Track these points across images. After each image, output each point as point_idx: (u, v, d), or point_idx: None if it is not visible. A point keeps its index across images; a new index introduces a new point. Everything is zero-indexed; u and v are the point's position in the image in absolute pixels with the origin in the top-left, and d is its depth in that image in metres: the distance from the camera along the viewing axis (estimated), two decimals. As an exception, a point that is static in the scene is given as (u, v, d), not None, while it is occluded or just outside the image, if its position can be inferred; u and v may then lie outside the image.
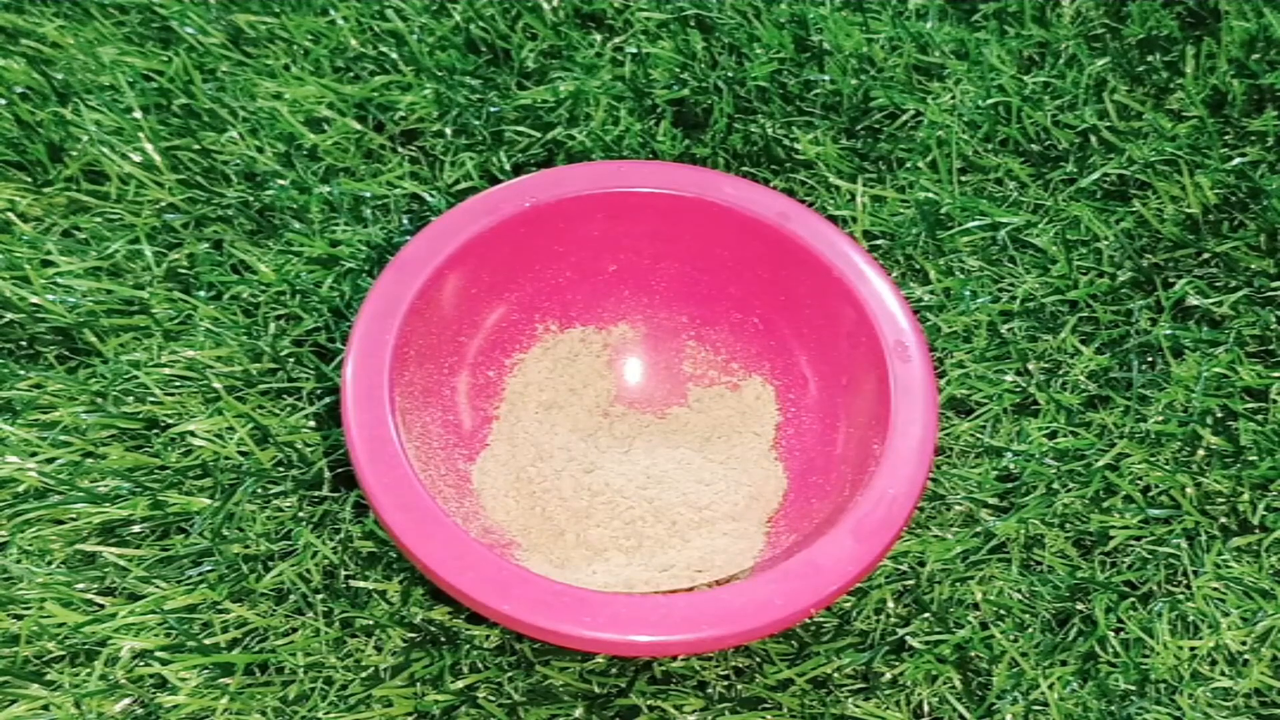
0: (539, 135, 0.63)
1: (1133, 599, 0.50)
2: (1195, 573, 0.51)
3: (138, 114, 0.62)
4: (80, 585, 0.49)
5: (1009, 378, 0.56)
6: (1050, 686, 0.48)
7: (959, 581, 0.51)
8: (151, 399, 0.54)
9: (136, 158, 0.61)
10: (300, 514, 0.51)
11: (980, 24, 0.69)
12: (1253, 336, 0.58)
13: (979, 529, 0.52)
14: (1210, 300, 0.59)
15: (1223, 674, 0.49)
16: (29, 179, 0.60)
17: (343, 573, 0.50)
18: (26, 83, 0.63)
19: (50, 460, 0.52)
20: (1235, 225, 0.62)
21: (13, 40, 0.65)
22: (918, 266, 0.60)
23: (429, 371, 0.51)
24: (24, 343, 0.55)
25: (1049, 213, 0.62)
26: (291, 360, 0.55)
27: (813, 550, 0.44)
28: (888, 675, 0.48)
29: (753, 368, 0.54)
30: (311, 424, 0.53)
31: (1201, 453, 0.54)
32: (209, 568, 0.49)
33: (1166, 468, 0.54)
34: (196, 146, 0.61)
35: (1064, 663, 0.49)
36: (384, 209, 0.60)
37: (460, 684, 0.47)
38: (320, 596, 0.49)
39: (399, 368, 0.48)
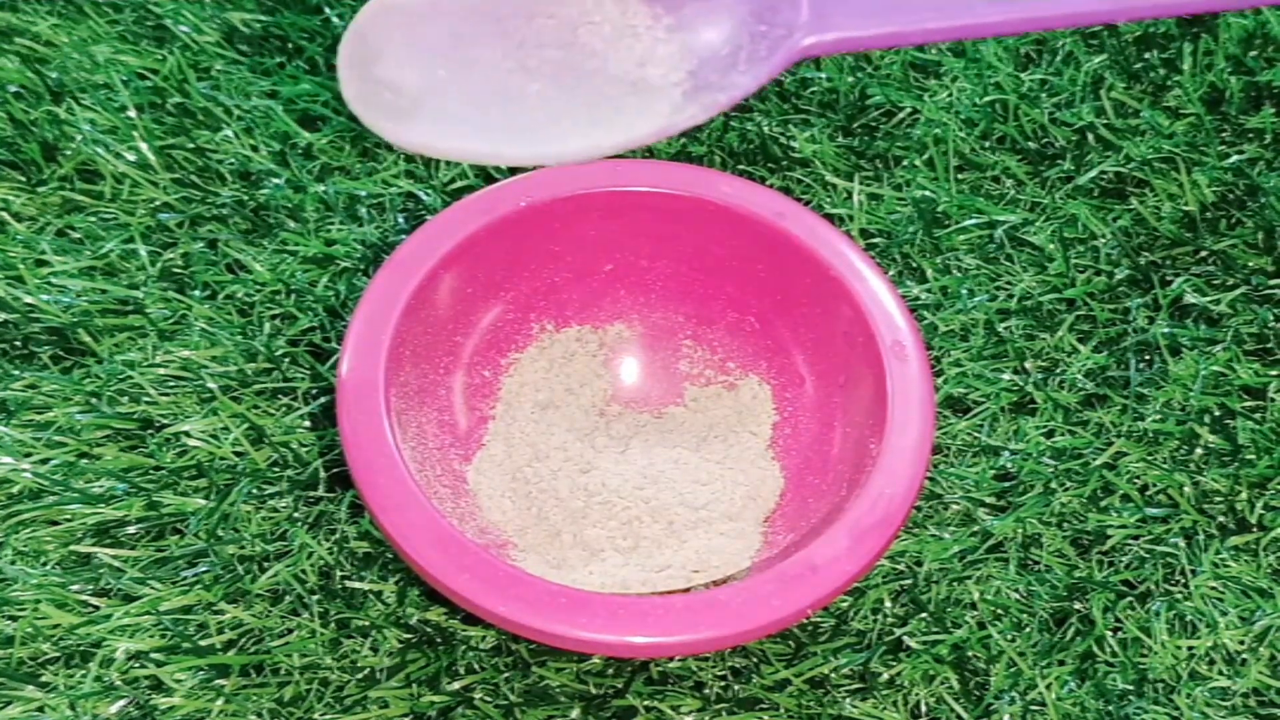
0: (535, 133, 0.63)
1: (1130, 598, 0.50)
2: (1193, 572, 0.51)
3: (132, 113, 0.62)
4: (75, 586, 0.49)
5: (1006, 376, 0.56)
6: (1048, 686, 0.48)
7: (956, 581, 0.51)
8: (146, 399, 0.53)
9: (131, 157, 0.61)
10: (296, 514, 0.51)
11: (977, 21, 0.69)
12: (1251, 334, 0.58)
13: (976, 528, 0.52)
14: (1208, 298, 0.58)
15: (1221, 673, 0.49)
16: (23, 178, 0.60)
17: (338, 573, 0.50)
18: (20, 81, 0.63)
19: (45, 461, 0.51)
20: (1233, 223, 0.62)
21: (6, 39, 0.65)
22: (914, 265, 0.60)
23: (424, 371, 0.50)
24: (18, 343, 0.55)
25: (1046, 210, 0.62)
26: (286, 360, 0.55)
27: (810, 550, 0.44)
28: (885, 675, 0.48)
29: (749, 367, 0.54)
30: (307, 424, 0.53)
31: (1199, 451, 0.54)
32: (204, 569, 0.49)
33: (1164, 466, 0.54)
34: (191, 145, 0.61)
35: (1062, 662, 0.49)
36: (379, 208, 0.60)
37: (456, 685, 0.47)
38: (316, 597, 0.49)
39: (394, 368, 0.47)
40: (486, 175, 0.61)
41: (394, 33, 0.38)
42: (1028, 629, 0.50)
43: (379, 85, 0.37)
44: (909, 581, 0.50)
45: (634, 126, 0.37)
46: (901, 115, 0.65)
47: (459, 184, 0.61)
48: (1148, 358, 0.57)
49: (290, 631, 0.48)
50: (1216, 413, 0.55)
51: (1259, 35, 0.68)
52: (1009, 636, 0.49)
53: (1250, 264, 0.60)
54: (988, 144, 0.64)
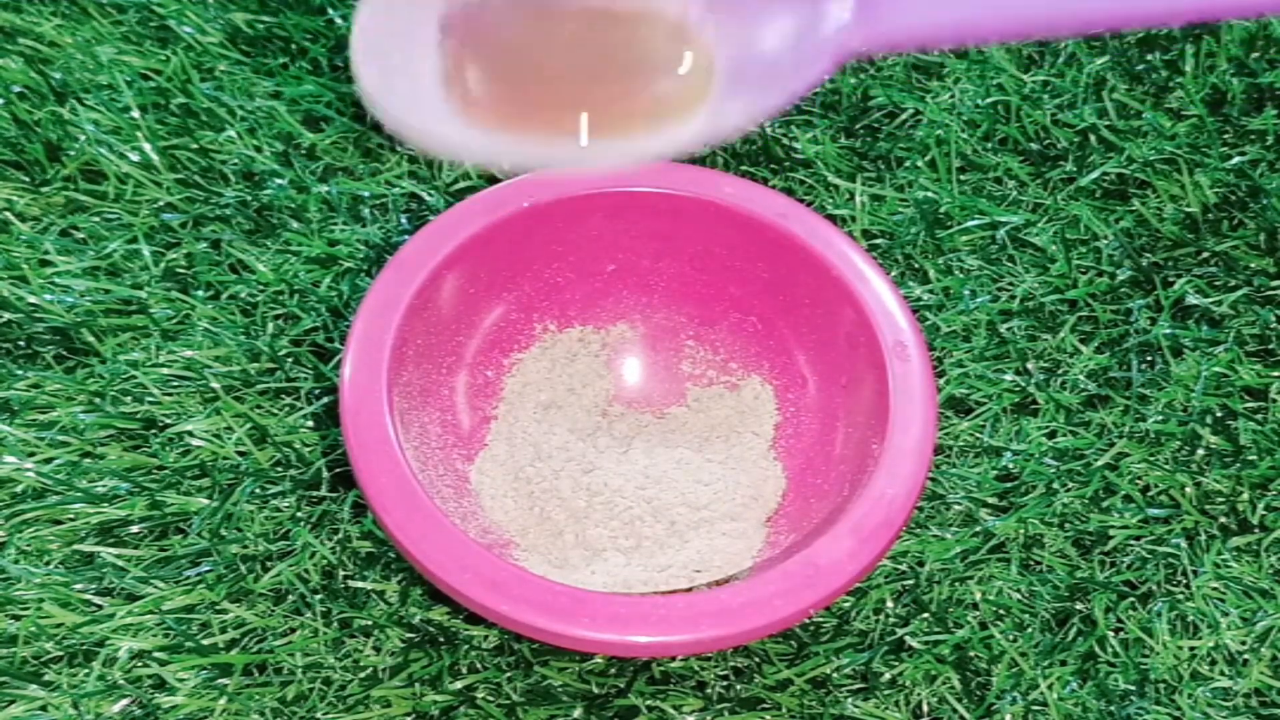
0: (537, 134, 0.63)
1: (1132, 599, 0.50)
2: (1195, 572, 0.51)
3: (135, 113, 0.62)
4: (78, 585, 0.49)
5: (1008, 377, 0.56)
6: (1049, 686, 0.48)
7: (958, 581, 0.51)
8: (149, 399, 0.53)
9: (134, 157, 0.61)
10: (299, 514, 0.51)
11: (979, 22, 0.69)
12: (1252, 335, 0.58)
13: (978, 529, 0.52)
14: (1210, 299, 0.58)
15: (1222, 674, 0.49)
16: (26, 179, 0.60)
17: (341, 573, 0.50)
18: (24, 82, 0.63)
19: (48, 460, 0.52)
20: (1235, 224, 0.62)
21: (10, 39, 0.65)
22: (917, 266, 0.60)
23: (427, 371, 0.50)
24: (22, 342, 0.55)
25: (1048, 212, 0.62)
26: (290, 360, 0.55)
27: (812, 550, 0.44)
28: (887, 675, 0.48)
29: (751, 368, 0.54)
30: (310, 424, 0.53)
31: (1201, 452, 0.54)
32: (207, 568, 0.49)
33: (1166, 467, 0.54)
34: (194, 146, 0.61)
35: (1063, 663, 0.49)
36: (382, 208, 0.60)
37: (459, 684, 0.47)
38: (319, 597, 0.49)
39: (397, 368, 0.48)
40: (489, 176, 0.61)
41: (404, 12, 0.36)
42: (1029, 629, 0.50)
43: (394, 75, 0.35)
44: (911, 582, 0.50)
45: (674, 125, 0.34)
46: (904, 116, 0.65)
47: (462, 184, 0.61)
48: (1149, 359, 0.57)
49: (293, 631, 0.48)
50: (1218, 413, 0.55)
51: (1261, 37, 0.68)
52: (1011, 637, 0.49)
53: (1252, 265, 0.60)
54: (990, 145, 0.64)
